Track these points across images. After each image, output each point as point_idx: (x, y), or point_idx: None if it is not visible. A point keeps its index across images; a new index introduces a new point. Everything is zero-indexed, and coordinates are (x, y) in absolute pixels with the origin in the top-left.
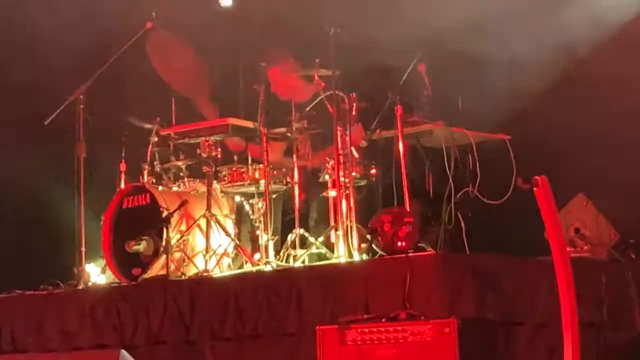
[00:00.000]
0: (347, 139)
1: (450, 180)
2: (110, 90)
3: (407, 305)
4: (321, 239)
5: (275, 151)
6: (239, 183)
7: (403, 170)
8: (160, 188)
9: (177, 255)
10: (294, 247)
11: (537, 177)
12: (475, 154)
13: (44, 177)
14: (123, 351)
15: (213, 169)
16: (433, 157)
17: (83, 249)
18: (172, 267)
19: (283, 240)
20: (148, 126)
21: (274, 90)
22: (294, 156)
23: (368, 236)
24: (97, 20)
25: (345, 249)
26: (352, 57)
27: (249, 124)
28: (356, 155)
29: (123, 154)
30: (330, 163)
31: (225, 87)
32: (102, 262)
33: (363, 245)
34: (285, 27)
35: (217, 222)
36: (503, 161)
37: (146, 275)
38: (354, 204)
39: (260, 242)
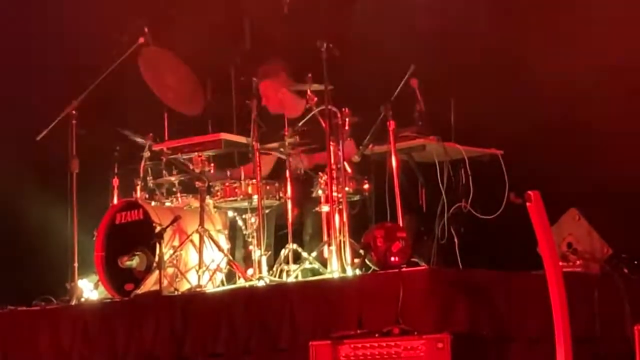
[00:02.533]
0: (340, 153)
1: (443, 195)
2: (102, 106)
3: (400, 321)
4: (314, 254)
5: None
6: (232, 198)
7: (396, 185)
8: (153, 203)
9: (170, 270)
10: (287, 263)
11: (529, 192)
12: (468, 168)
13: (36, 192)
14: None
15: (206, 184)
16: (426, 172)
17: (76, 265)
18: (165, 282)
19: (276, 255)
20: (141, 141)
21: (264, 104)
22: (287, 171)
23: (361, 251)
24: (89, 35)
25: (338, 264)
26: (344, 71)
27: (242, 139)
28: (349, 170)
29: (116, 170)
30: (324, 178)
31: (218, 102)
32: (95, 277)
33: (356, 261)
34: (278, 42)
35: (210, 237)
36: (496, 176)
37: (139, 291)
38: (347, 219)
39: (253, 257)
